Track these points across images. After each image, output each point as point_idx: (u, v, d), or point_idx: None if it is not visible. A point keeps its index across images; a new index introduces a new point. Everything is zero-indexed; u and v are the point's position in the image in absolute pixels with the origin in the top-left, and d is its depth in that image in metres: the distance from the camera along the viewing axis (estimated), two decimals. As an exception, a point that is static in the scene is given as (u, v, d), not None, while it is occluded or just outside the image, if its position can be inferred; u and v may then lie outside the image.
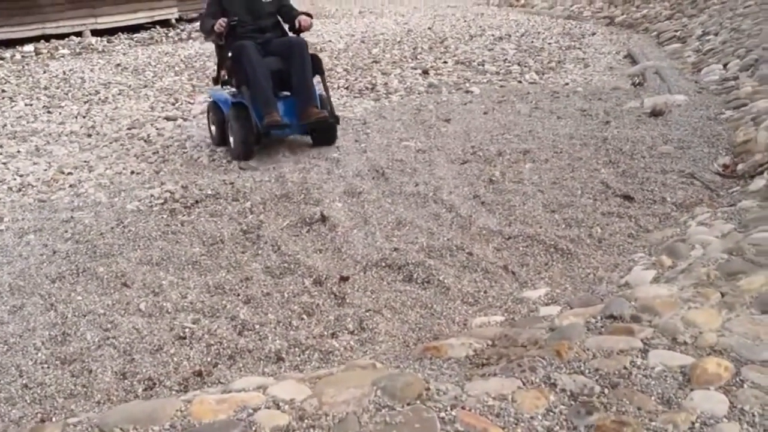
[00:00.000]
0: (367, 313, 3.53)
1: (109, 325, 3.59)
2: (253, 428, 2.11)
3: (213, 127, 7.01)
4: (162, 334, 3.47)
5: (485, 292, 3.74)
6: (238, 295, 3.84)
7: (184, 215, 5.08)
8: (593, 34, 13.53)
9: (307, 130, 6.61)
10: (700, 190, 5.15)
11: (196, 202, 5.34)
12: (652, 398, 2.24)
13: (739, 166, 5.62)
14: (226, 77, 6.54)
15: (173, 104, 9.07)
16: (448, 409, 2.21)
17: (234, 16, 6.28)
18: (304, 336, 3.38)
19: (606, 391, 2.29)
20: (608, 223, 4.58)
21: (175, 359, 3.26)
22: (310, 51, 6.45)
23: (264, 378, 2.58)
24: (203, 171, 6.20)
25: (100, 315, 3.69)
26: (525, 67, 10.69)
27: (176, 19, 16.97)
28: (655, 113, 7.23)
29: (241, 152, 6.42)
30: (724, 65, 8.78)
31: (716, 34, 10.50)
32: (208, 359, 3.25)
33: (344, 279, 3.85)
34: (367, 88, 9.85)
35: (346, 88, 9.93)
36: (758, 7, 10.73)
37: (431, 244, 4.33)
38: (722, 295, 2.84)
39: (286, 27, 6.71)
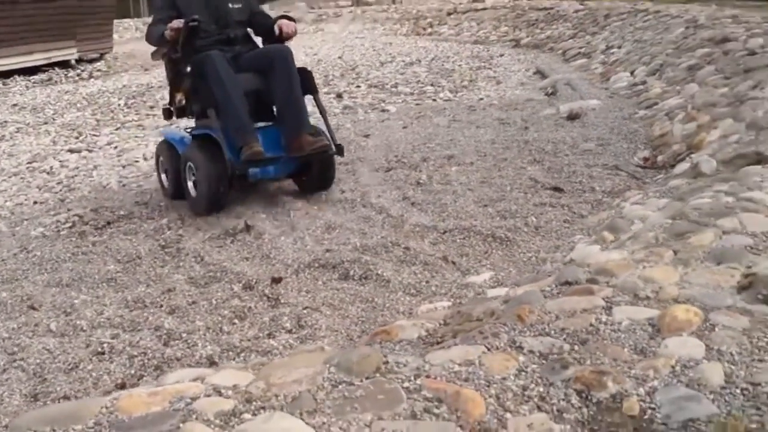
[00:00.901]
0: (305, 311, 3.30)
1: (15, 348, 3.23)
2: (194, 416, 1.84)
3: (164, 176, 5.37)
4: (77, 352, 3.14)
5: (427, 282, 3.56)
6: (161, 306, 3.54)
7: (95, 236, 4.74)
8: (501, 55, 13.73)
9: (298, 166, 4.95)
10: (626, 179, 5.15)
11: (108, 223, 4.99)
12: (626, 349, 2.09)
13: (659, 158, 5.68)
14: (183, 102, 4.96)
15: (77, 138, 8.64)
16: (412, 378, 2.00)
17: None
18: (238, 339, 3.11)
19: (576, 347, 2.13)
20: (542, 212, 4.49)
21: (94, 374, 2.94)
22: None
23: (200, 369, 2.31)
24: (114, 195, 5.83)
25: (5, 339, 3.32)
26: (438, 87, 10.71)
27: (76, 60, 16.41)
28: (572, 117, 7.29)
29: (207, 202, 4.72)
30: (632, 72, 8.99)
31: (620, 47, 10.79)
32: (132, 372, 2.95)
33: (277, 281, 3.60)
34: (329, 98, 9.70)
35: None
36: (656, 20, 11.11)
37: (365, 243, 4.13)
38: (675, 252, 2.74)
39: (258, 40, 5.21)
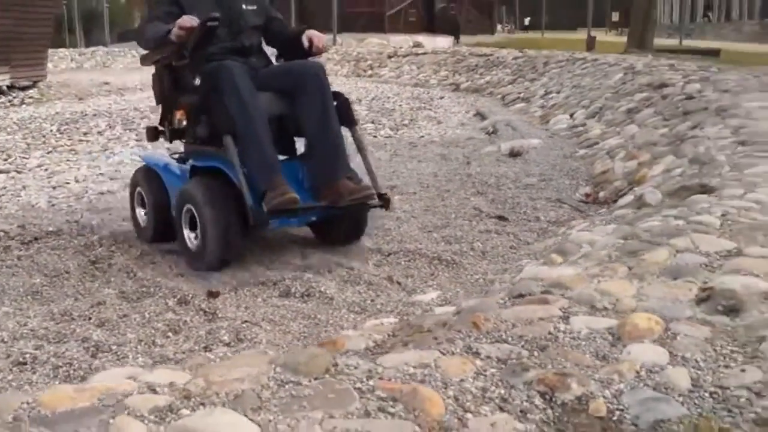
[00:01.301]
0: (244, 325, 3.13)
1: (-69, 359, 2.96)
2: (125, 412, 1.67)
3: (142, 211, 4.34)
4: (-4, 363, 2.90)
5: (372, 300, 3.43)
6: (89, 319, 3.32)
7: (20, 251, 4.46)
8: (441, 98, 13.85)
9: (327, 216, 3.94)
10: (569, 211, 5.15)
11: (35, 238, 4.72)
12: (587, 355, 2.00)
13: (601, 194, 5.72)
14: (184, 123, 3.85)
15: (5, 159, 8.29)
16: (364, 380, 1.87)
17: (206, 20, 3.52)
18: (172, 352, 2.92)
19: (536, 353, 2.04)
20: (487, 239, 4.43)
21: (14, 384, 2.71)
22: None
23: (132, 368, 2.12)
24: (43, 214, 5.56)
25: None
26: (379, 124, 10.69)
27: (8, 86, 15.91)
28: (514, 154, 7.33)
29: (217, 260, 3.73)
30: (571, 115, 9.14)
31: (558, 92, 11.00)
32: (56, 382, 2.72)
33: (213, 295, 3.43)
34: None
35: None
36: (594, 67, 11.39)
37: (307, 263, 3.99)
38: (629, 268, 2.69)
39: (270, 52, 4.11)
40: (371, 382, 1.84)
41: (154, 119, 11.96)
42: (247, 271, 3.89)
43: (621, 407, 1.72)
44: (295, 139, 4.05)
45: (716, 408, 1.69)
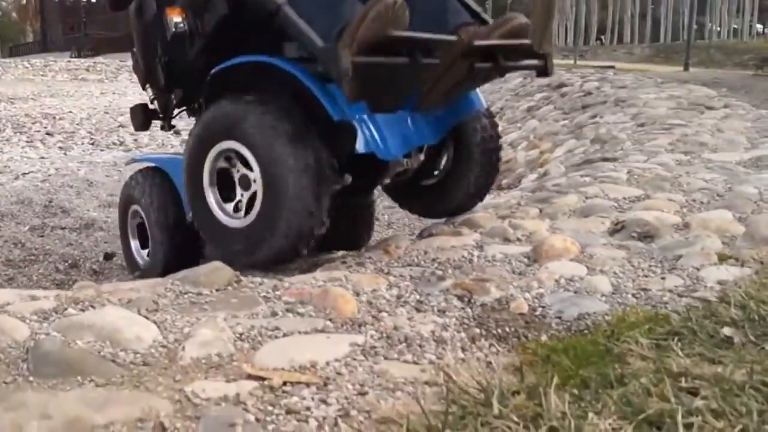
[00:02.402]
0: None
1: None
2: (5, 314, 1.46)
3: (135, 243, 3.01)
4: None
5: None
6: (-31, 283, 3.05)
7: None
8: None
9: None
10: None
11: None
12: (504, 272, 1.91)
13: (504, 181, 5.73)
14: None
15: None
16: (270, 291, 1.71)
17: None
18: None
19: (451, 271, 1.93)
20: (392, 212, 4.36)
21: None
22: None
23: (14, 291, 1.88)
24: None
25: None
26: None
27: None
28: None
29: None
30: (473, 116, 9.20)
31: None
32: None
33: (109, 257, 3.21)
34: (114, 144, 9.25)
35: (92, 144, 9.29)
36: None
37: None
38: (540, 210, 2.64)
39: None
40: (278, 292, 1.69)
41: (48, 125, 11.51)
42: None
43: (543, 305, 1.64)
44: None
45: (640, 304, 1.62)
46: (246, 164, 2.15)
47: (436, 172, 2.69)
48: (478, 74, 2.23)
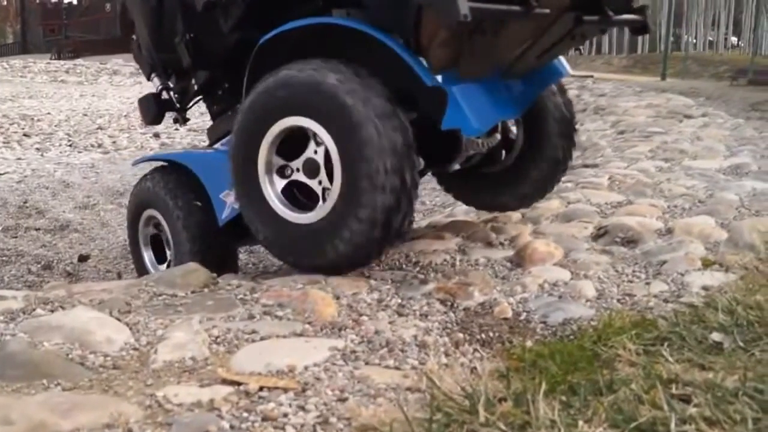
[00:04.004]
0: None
1: None
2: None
3: (149, 254, 2.57)
4: None
5: (254, 264, 3.23)
6: (-62, 285, 2.97)
7: None
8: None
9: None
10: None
11: None
12: (487, 276, 1.87)
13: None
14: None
15: None
16: (247, 293, 1.66)
17: None
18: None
19: (433, 274, 1.89)
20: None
21: None
22: None
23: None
24: None
25: None
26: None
27: None
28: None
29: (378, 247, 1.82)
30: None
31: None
32: None
33: (84, 258, 3.16)
34: (93, 146, 9.15)
35: (70, 146, 9.20)
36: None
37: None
38: (523, 215, 2.61)
39: None
40: (255, 295, 1.64)
41: (26, 126, 11.42)
42: (118, 242, 3.63)
43: (527, 310, 1.61)
44: None
45: (625, 309, 1.59)
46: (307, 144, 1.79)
47: (503, 157, 2.31)
48: (581, 30, 1.89)
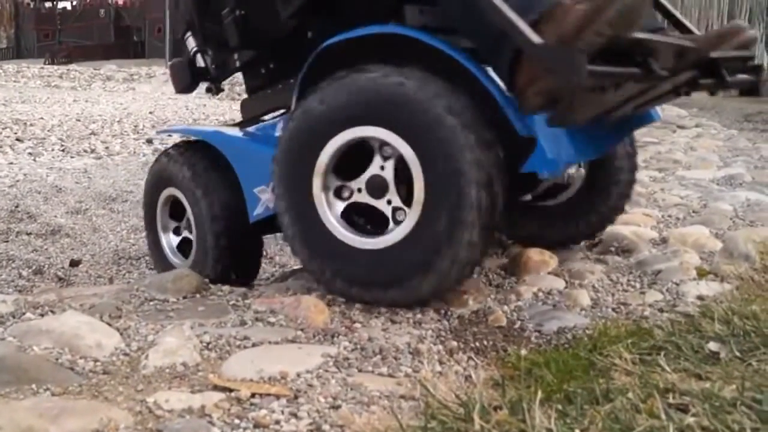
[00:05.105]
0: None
1: None
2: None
3: (168, 239, 2.32)
4: None
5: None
6: (-73, 289, 2.94)
7: None
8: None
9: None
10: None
11: None
12: (481, 285, 1.86)
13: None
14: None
15: None
16: (239, 299, 1.65)
17: None
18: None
19: (426, 282, 1.88)
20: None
21: None
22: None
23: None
24: None
25: None
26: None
27: None
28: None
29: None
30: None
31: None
32: None
33: (75, 263, 3.13)
34: (86, 151, 9.11)
35: (62, 151, 9.16)
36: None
37: (176, 241, 3.72)
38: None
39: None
40: (247, 301, 1.63)
41: (19, 130, 11.48)
42: (110, 248, 3.61)
43: (522, 318, 1.60)
44: None
45: (620, 318, 1.58)
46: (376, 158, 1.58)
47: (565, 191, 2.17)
48: (690, 88, 1.74)
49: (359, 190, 1.62)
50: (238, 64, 2.16)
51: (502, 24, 1.44)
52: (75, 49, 25.83)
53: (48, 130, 11.47)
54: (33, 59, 25.46)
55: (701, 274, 1.90)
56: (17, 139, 9.93)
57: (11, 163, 7.45)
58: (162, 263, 2.29)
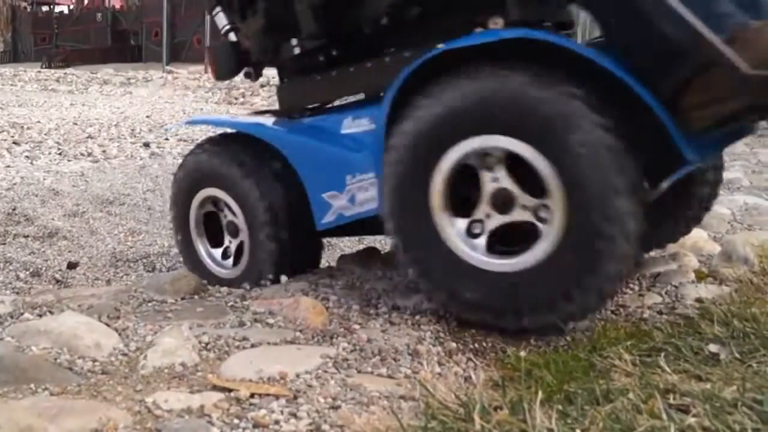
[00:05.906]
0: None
1: None
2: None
3: (204, 244, 2.07)
4: None
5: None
6: (-76, 291, 2.94)
7: None
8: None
9: None
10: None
11: None
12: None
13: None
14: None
15: None
16: (237, 300, 1.65)
17: None
18: (15, 316, 2.59)
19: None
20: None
21: None
22: None
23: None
24: None
25: None
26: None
27: None
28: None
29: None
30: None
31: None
32: None
33: (73, 265, 3.12)
34: (82, 154, 9.11)
35: (59, 154, 9.16)
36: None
37: (173, 244, 3.71)
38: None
39: None
40: (246, 302, 1.63)
41: (16, 134, 11.50)
42: (108, 250, 3.61)
43: (521, 321, 1.59)
44: None
45: (619, 320, 1.58)
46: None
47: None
48: None
49: (488, 216, 1.46)
50: (297, 50, 1.90)
51: (688, 41, 1.33)
52: (72, 52, 25.82)
53: (45, 134, 11.49)
54: (30, 63, 25.45)
55: (700, 276, 1.90)
56: (14, 143, 9.93)
57: (8, 166, 7.44)
58: (198, 271, 2.02)
